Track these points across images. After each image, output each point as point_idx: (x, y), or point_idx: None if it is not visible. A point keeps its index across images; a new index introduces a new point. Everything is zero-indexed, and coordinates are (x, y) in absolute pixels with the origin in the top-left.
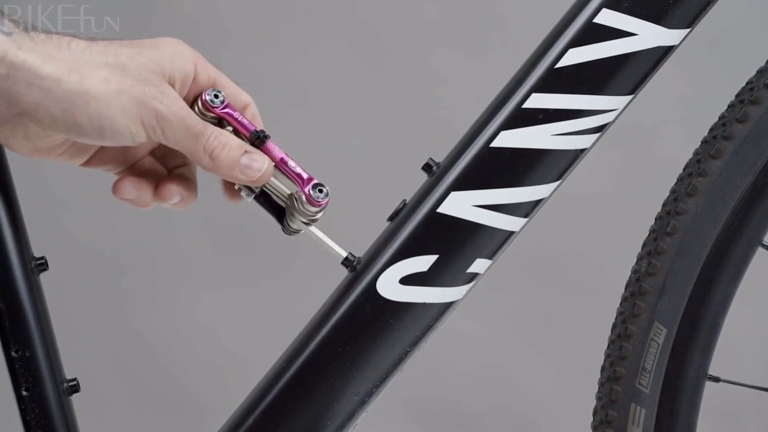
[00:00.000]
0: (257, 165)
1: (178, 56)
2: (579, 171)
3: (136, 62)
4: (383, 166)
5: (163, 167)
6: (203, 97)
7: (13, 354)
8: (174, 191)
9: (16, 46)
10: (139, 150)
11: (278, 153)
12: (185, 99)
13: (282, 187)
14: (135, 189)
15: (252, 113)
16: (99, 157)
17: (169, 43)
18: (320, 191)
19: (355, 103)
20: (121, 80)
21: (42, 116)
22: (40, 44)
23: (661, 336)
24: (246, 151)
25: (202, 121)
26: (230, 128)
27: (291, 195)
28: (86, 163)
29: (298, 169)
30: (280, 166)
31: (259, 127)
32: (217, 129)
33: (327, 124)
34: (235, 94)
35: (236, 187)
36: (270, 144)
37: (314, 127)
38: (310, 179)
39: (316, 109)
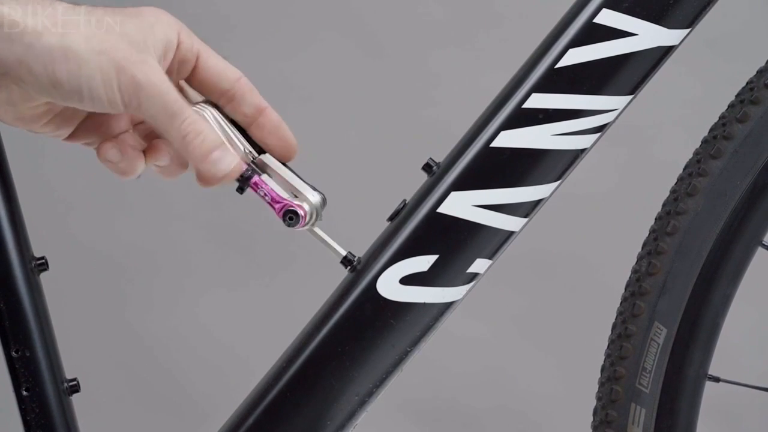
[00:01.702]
0: (225, 164)
1: (161, 25)
2: (579, 171)
3: (121, 29)
4: (383, 166)
5: (145, 143)
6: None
7: (13, 354)
8: (164, 151)
9: None
10: (121, 121)
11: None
12: (168, 69)
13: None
14: (120, 152)
15: (244, 87)
16: (83, 128)
17: (152, 12)
18: (290, 219)
19: (355, 103)
20: (104, 39)
21: (23, 74)
22: (23, 2)
23: (661, 336)
24: (220, 146)
25: (181, 100)
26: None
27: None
28: (70, 137)
29: (274, 193)
30: (252, 187)
31: (259, 100)
32: (194, 114)
33: (327, 124)
34: (222, 68)
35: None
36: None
37: (314, 127)
38: (283, 206)
39: (316, 108)
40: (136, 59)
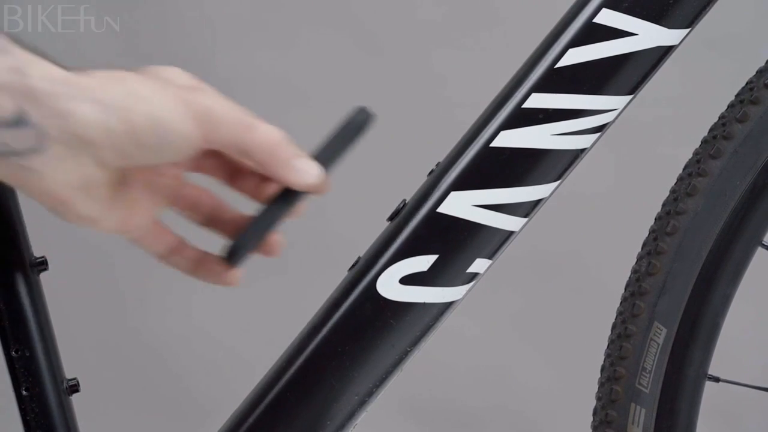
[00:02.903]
0: (315, 171)
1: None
2: (579, 170)
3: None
4: (383, 166)
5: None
6: None
7: (13, 354)
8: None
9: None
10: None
11: None
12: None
13: None
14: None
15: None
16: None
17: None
18: None
19: (354, 102)
20: (164, 84)
21: (96, 133)
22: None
23: (661, 336)
24: (300, 156)
25: (249, 112)
26: None
27: None
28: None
29: None
30: None
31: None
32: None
33: (326, 124)
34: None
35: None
36: None
37: (314, 127)
38: None
39: (315, 108)
40: (195, 91)
